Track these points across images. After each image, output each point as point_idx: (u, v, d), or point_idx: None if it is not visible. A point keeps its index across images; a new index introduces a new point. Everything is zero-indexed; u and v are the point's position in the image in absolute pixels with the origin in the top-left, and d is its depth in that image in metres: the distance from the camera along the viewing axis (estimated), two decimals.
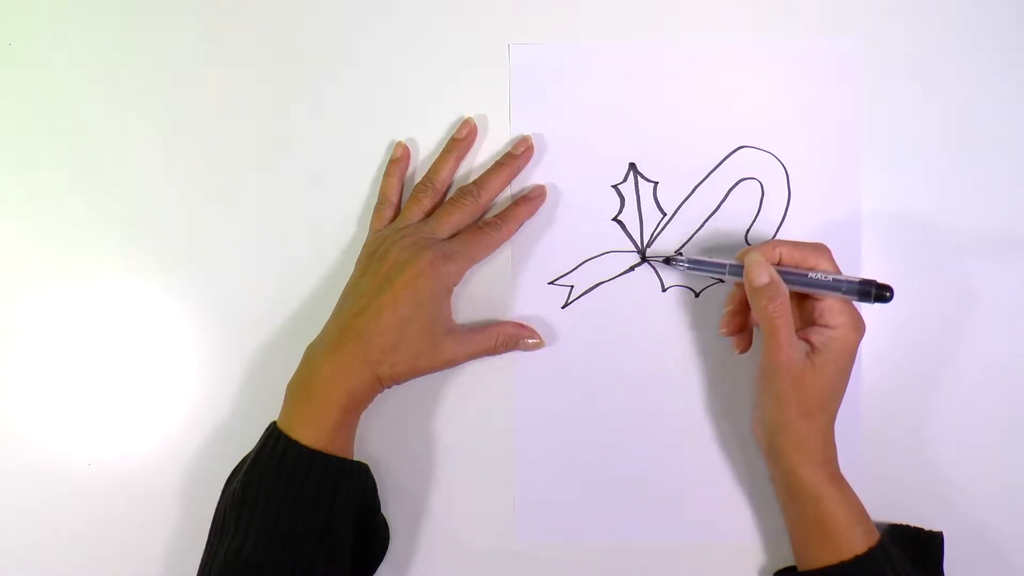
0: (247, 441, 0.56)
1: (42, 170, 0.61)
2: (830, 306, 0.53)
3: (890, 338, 0.60)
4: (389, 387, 0.55)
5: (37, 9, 0.61)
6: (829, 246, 0.55)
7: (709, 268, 0.57)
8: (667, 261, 0.59)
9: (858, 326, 0.53)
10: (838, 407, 0.54)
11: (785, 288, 0.52)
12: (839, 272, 0.54)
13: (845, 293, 0.51)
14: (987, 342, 0.60)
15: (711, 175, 0.60)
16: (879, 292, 0.51)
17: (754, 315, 0.54)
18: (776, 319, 0.52)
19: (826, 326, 0.53)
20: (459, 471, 0.61)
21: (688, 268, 0.58)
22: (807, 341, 0.53)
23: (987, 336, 0.60)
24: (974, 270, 0.60)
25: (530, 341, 0.59)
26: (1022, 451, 0.60)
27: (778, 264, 0.54)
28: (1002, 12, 0.60)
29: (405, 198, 0.60)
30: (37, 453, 0.61)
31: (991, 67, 0.60)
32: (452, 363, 0.57)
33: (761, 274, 0.53)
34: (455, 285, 0.57)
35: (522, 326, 0.59)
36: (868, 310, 0.60)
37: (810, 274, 0.53)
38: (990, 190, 0.60)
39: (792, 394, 0.53)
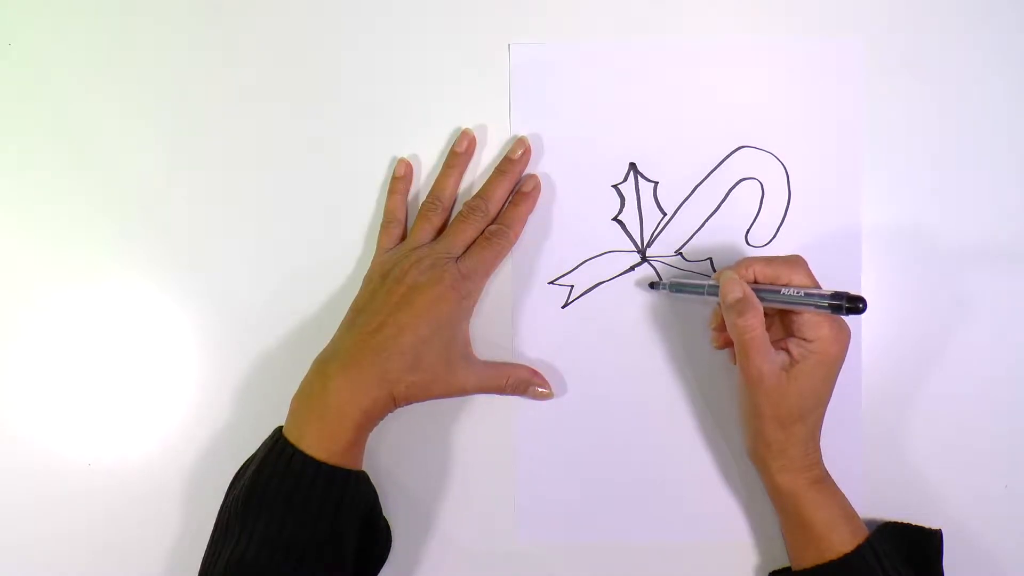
0: (246, 443, 0.56)
1: (42, 170, 0.61)
2: (808, 320, 0.52)
3: (891, 338, 0.60)
4: (400, 406, 0.55)
5: (37, 9, 0.61)
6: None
7: (690, 290, 0.57)
8: (652, 286, 0.60)
9: (839, 338, 0.53)
10: (820, 416, 0.54)
11: (757, 303, 0.52)
12: (815, 284, 0.53)
13: (817, 307, 0.51)
14: (988, 342, 0.60)
15: (711, 175, 0.60)
16: (851, 305, 0.49)
17: (728, 330, 0.54)
18: (745, 334, 0.52)
19: (804, 339, 0.53)
20: (459, 471, 0.61)
21: (671, 292, 0.59)
22: (787, 351, 0.53)
23: (988, 336, 0.60)
24: (975, 270, 0.60)
25: (540, 390, 0.59)
26: (1022, 451, 0.60)
27: (753, 282, 0.54)
28: (1002, 12, 0.60)
29: (411, 214, 0.60)
30: (37, 453, 0.61)
31: (991, 67, 0.60)
32: (463, 391, 0.57)
33: (734, 290, 0.53)
34: (475, 304, 0.57)
35: (535, 373, 0.59)
36: (873, 307, 0.60)
37: (783, 290, 0.52)
38: (991, 190, 0.60)
39: (767, 405, 0.53)
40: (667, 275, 0.60)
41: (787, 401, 0.53)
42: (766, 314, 0.53)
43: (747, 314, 0.52)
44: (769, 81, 0.60)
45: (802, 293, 0.52)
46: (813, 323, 0.52)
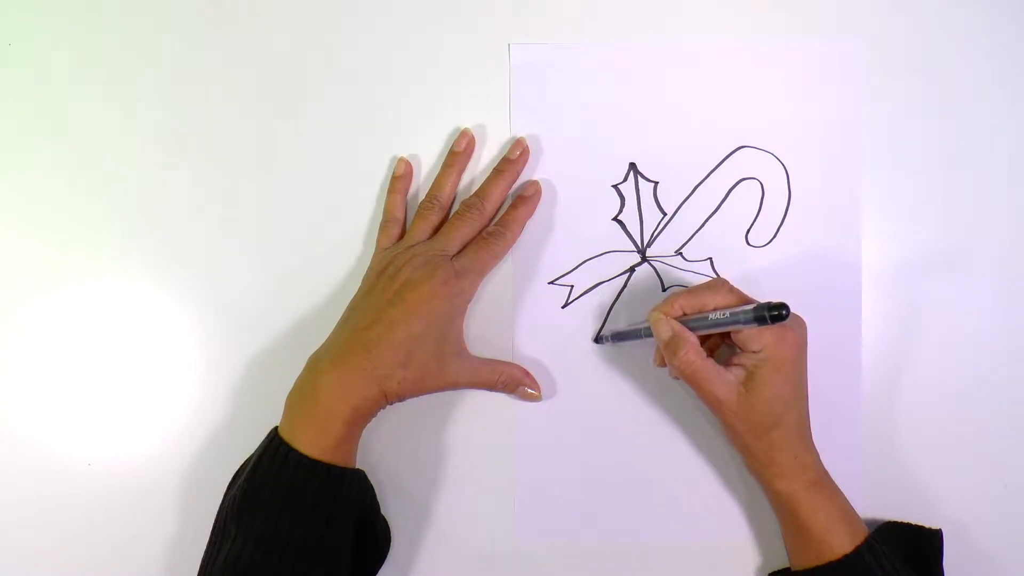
0: (247, 443, 0.56)
1: (42, 170, 0.61)
2: (747, 333, 0.53)
3: (890, 338, 0.60)
4: (393, 403, 0.55)
5: (37, 9, 0.61)
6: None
7: (632, 336, 0.58)
8: (597, 340, 0.60)
9: (785, 340, 0.53)
10: (798, 418, 0.54)
11: (689, 337, 0.53)
12: (742, 301, 0.53)
13: (744, 325, 0.51)
14: (988, 342, 0.60)
15: (711, 175, 0.60)
16: (774, 313, 0.49)
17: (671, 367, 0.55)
18: (686, 369, 0.53)
19: (752, 351, 0.53)
20: (459, 471, 0.61)
21: (615, 343, 0.59)
22: (741, 366, 0.53)
23: (988, 336, 0.60)
24: (975, 269, 0.60)
25: (529, 391, 0.59)
26: (1021, 451, 0.60)
27: (682, 315, 0.54)
28: (1002, 12, 0.60)
29: (410, 214, 0.60)
30: (37, 453, 0.61)
31: (991, 67, 0.60)
32: (455, 385, 0.57)
33: (663, 330, 0.54)
34: (469, 302, 0.57)
35: (527, 374, 0.59)
36: (872, 308, 0.60)
37: (709, 316, 0.53)
38: (991, 190, 0.60)
39: (737, 422, 0.53)
40: (608, 329, 0.60)
41: (754, 413, 0.53)
42: (711, 338, 0.53)
43: (681, 350, 0.53)
44: (769, 81, 0.60)
45: (727, 314, 0.52)
46: (753, 335, 0.53)
